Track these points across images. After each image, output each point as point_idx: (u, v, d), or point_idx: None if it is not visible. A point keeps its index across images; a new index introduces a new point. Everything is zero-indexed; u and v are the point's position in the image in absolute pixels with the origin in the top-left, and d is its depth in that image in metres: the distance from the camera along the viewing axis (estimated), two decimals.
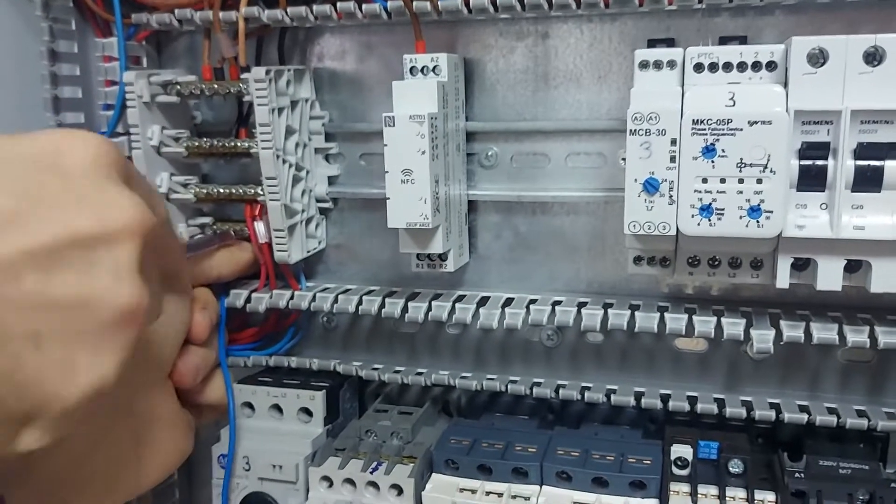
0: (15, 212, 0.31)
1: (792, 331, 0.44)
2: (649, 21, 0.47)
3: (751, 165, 0.39)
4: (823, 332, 0.43)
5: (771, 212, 0.39)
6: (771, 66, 0.41)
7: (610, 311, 0.47)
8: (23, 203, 0.31)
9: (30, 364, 0.31)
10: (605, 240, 0.51)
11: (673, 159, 0.40)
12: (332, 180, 0.54)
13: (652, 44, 0.47)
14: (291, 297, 0.52)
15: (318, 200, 0.54)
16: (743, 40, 0.45)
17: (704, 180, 0.40)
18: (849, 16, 0.44)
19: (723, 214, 0.40)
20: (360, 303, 0.51)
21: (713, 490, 0.45)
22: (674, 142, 0.40)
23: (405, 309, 0.50)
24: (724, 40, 0.45)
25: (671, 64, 0.42)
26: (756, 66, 0.41)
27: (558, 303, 0.50)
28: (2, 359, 0.30)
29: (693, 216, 0.40)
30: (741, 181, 0.39)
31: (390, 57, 0.52)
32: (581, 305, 0.49)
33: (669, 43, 0.47)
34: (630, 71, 0.44)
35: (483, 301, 0.51)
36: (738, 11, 0.45)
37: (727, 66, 0.41)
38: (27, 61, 0.54)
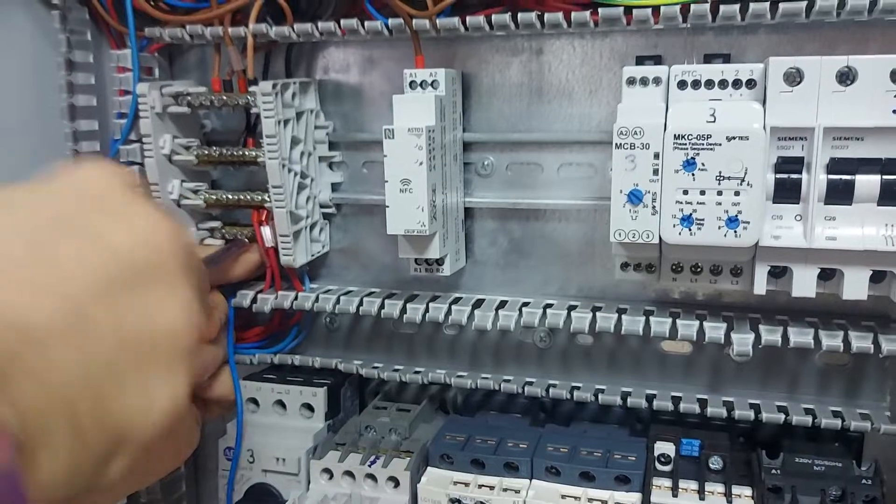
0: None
1: (770, 335, 0.46)
2: (638, 38, 0.49)
3: (729, 178, 0.41)
4: (800, 337, 0.46)
5: (748, 223, 0.41)
6: (751, 83, 0.43)
7: (598, 314, 0.50)
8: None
9: (113, 398, 0.30)
10: (595, 246, 0.53)
11: (656, 172, 0.43)
12: (335, 187, 0.57)
13: (640, 60, 0.49)
14: (295, 298, 0.55)
15: (321, 206, 0.56)
16: (727, 58, 0.47)
17: (685, 192, 0.42)
18: (827, 35, 0.46)
19: (702, 224, 0.42)
20: (360, 304, 0.54)
21: (693, 485, 0.47)
22: (657, 155, 0.43)
23: (404, 310, 0.53)
24: (708, 58, 0.48)
25: (657, 81, 0.45)
26: (737, 83, 0.43)
27: (550, 306, 0.52)
28: (86, 397, 0.29)
29: (674, 226, 0.43)
30: (720, 193, 0.42)
31: (391, 70, 0.54)
32: (571, 309, 0.51)
33: (656, 60, 0.49)
34: (619, 86, 0.46)
35: (478, 303, 0.53)
36: (722, 30, 0.48)
37: (709, 84, 0.44)
38: (45, 70, 0.57)
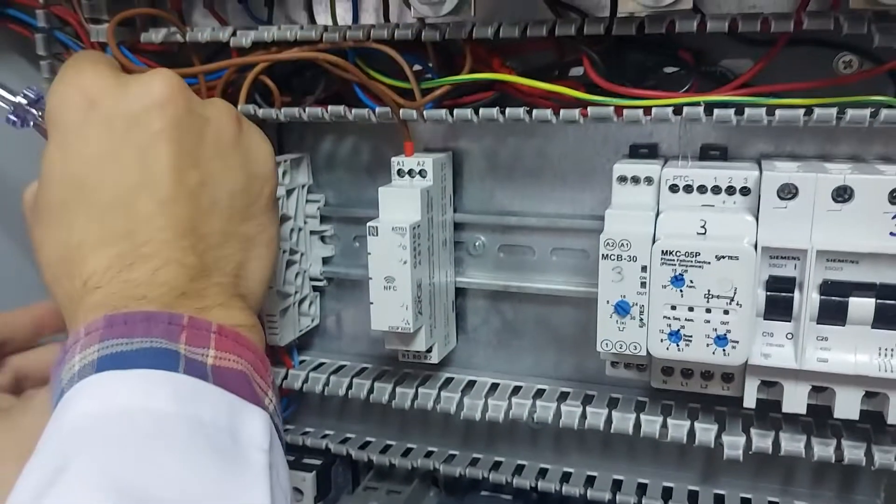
0: None
1: (761, 441, 0.45)
2: (633, 126, 0.48)
3: (718, 297, 0.40)
4: (791, 444, 0.45)
5: (737, 342, 0.40)
6: (745, 191, 0.42)
7: (588, 408, 0.49)
8: None
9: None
10: (588, 330, 0.51)
11: (643, 284, 0.42)
12: (326, 260, 0.56)
13: (634, 150, 0.47)
14: (285, 377, 0.54)
15: (312, 279, 0.56)
16: (724, 151, 0.46)
17: (673, 307, 0.41)
18: (829, 131, 0.44)
19: (690, 341, 0.41)
20: (350, 386, 0.53)
21: None
22: (644, 268, 0.41)
23: (392, 395, 0.52)
24: (704, 150, 0.46)
25: (648, 180, 0.44)
26: (730, 189, 0.42)
27: (542, 392, 0.51)
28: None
29: (662, 340, 0.42)
30: (708, 311, 0.40)
31: (383, 146, 0.53)
32: (563, 396, 0.50)
33: (651, 148, 0.47)
34: (612, 172, 0.44)
35: (469, 385, 0.52)
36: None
37: (702, 189, 0.42)
38: None
